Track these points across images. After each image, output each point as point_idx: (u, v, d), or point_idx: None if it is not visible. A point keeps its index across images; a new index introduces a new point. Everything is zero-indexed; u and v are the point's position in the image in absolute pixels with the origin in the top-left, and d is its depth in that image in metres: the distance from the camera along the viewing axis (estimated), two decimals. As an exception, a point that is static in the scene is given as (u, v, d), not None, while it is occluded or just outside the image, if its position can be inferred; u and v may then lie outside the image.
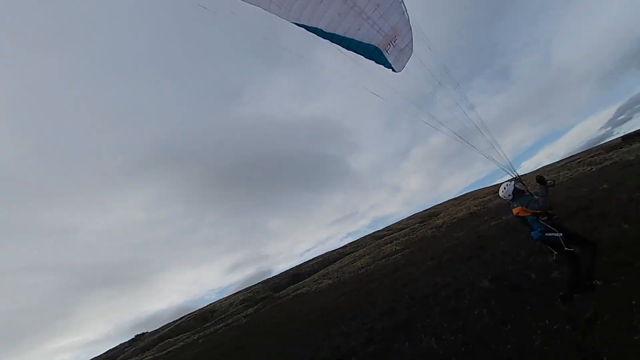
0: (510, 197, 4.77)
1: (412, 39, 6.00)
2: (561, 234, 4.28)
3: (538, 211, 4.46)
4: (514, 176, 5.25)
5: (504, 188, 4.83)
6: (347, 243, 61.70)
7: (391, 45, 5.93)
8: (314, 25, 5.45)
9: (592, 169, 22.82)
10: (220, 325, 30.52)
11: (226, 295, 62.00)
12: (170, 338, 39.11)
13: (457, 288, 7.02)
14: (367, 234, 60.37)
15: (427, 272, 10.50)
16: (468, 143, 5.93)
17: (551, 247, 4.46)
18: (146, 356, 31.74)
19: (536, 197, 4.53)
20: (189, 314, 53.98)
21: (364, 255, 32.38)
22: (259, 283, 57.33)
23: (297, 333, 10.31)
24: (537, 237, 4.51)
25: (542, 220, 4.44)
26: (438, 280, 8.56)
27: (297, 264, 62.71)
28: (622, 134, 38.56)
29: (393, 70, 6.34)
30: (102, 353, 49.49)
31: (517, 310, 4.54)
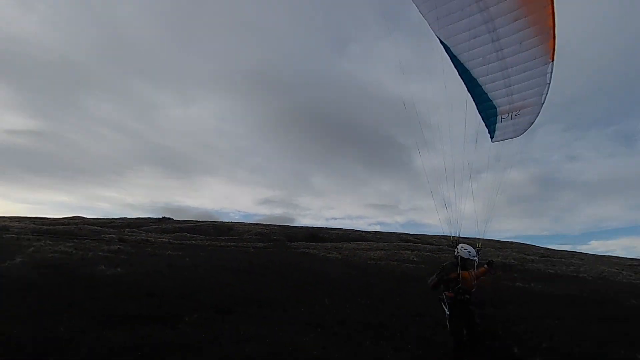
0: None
1: (531, 124, 5.72)
2: (447, 313, 4.75)
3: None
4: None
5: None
6: (373, 230, 61.94)
7: (509, 115, 5.75)
8: (450, 47, 5.44)
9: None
10: (231, 244, 33.32)
11: (247, 222, 66.64)
12: (187, 233, 43.68)
13: (439, 323, 7.12)
14: (395, 231, 59.93)
15: (425, 295, 10.53)
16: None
17: None
18: (164, 237, 35.75)
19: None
20: (210, 221, 59.06)
21: (381, 249, 32.49)
22: (279, 225, 60.50)
23: (287, 283, 11.13)
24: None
25: (446, 293, 4.86)
26: (430, 305, 8.66)
27: (319, 226, 64.68)
28: None
29: (491, 137, 6.19)
30: (133, 217, 56.30)
31: None
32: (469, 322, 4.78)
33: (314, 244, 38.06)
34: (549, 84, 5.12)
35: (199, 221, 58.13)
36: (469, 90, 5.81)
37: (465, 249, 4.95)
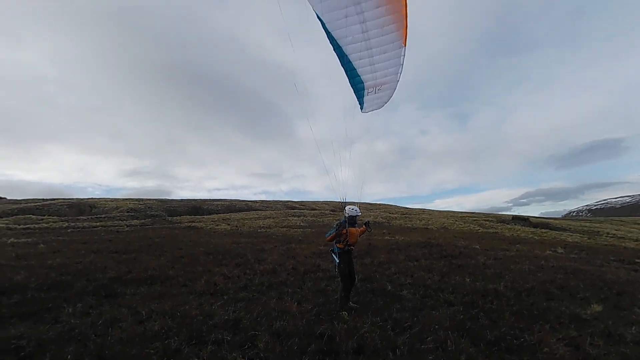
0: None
1: (390, 97, 6.72)
2: (337, 262, 5.68)
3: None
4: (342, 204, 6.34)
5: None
6: (259, 199, 62.51)
7: (374, 89, 6.60)
8: (326, 23, 5.74)
9: (479, 229, 27.06)
10: (98, 224, 28.81)
11: (113, 197, 58.07)
12: (32, 215, 35.48)
13: (330, 275, 8.22)
14: (281, 199, 62.04)
15: (315, 255, 11.71)
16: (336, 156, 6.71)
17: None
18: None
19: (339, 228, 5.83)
20: (63, 199, 49.46)
21: (270, 217, 33.44)
22: (155, 200, 54.88)
23: (179, 259, 10.66)
24: (330, 251, 6.11)
25: (337, 245, 5.80)
26: (321, 263, 9.76)
27: (201, 198, 61.59)
28: (515, 214, 46.53)
29: (360, 108, 7.03)
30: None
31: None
32: (352, 267, 5.79)
33: (199, 217, 36.37)
34: (402, 65, 6.23)
35: (46, 199, 48.12)
36: (342, 65, 6.45)
37: (352, 209, 5.86)
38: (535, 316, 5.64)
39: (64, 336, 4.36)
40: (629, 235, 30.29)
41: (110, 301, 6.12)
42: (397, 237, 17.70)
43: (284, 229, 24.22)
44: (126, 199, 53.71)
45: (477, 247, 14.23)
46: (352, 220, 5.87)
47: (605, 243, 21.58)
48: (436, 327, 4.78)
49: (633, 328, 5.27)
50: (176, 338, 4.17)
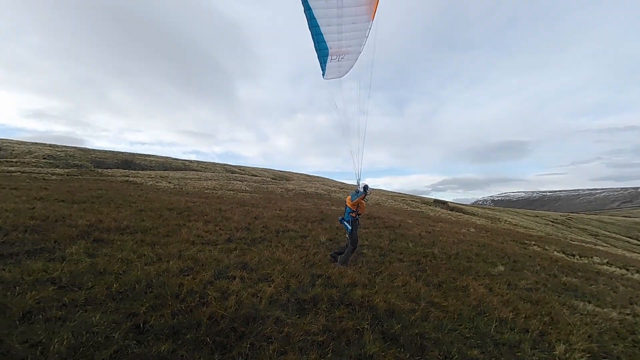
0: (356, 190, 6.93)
1: (351, 68, 7.26)
2: (350, 229, 6.75)
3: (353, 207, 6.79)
4: (358, 180, 7.02)
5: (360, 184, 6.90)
6: (191, 159, 59.65)
7: (337, 57, 7.00)
8: None
9: (407, 208, 30.52)
10: (13, 169, 25.46)
11: (19, 139, 50.43)
12: None
13: (302, 235, 9.41)
14: (215, 162, 60.23)
15: (276, 217, 12.73)
16: (346, 139, 7.03)
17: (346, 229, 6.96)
18: None
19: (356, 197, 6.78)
20: (-46, 135, 41.59)
21: (212, 179, 32.98)
22: (74, 147, 49.24)
23: (140, 213, 10.73)
24: (340, 220, 7.01)
25: (351, 214, 6.78)
26: (286, 225, 10.85)
27: (128, 151, 56.86)
28: (435, 197, 52.96)
29: (322, 74, 7.47)
30: None
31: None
32: (357, 234, 6.86)
33: (133, 172, 34.17)
34: (367, 37, 6.62)
35: None
36: (309, 28, 6.49)
37: (368, 186, 6.73)
38: (462, 271, 7.60)
39: (90, 270, 4.84)
40: (520, 223, 37.00)
41: (104, 245, 6.45)
42: (342, 209, 19.50)
43: (231, 192, 24.48)
44: (37, 144, 47.24)
45: (410, 222, 16.66)
46: (364, 194, 6.75)
47: (504, 227, 26.40)
48: (399, 273, 6.32)
49: (523, 281, 7.51)
50: (204, 273, 4.98)
